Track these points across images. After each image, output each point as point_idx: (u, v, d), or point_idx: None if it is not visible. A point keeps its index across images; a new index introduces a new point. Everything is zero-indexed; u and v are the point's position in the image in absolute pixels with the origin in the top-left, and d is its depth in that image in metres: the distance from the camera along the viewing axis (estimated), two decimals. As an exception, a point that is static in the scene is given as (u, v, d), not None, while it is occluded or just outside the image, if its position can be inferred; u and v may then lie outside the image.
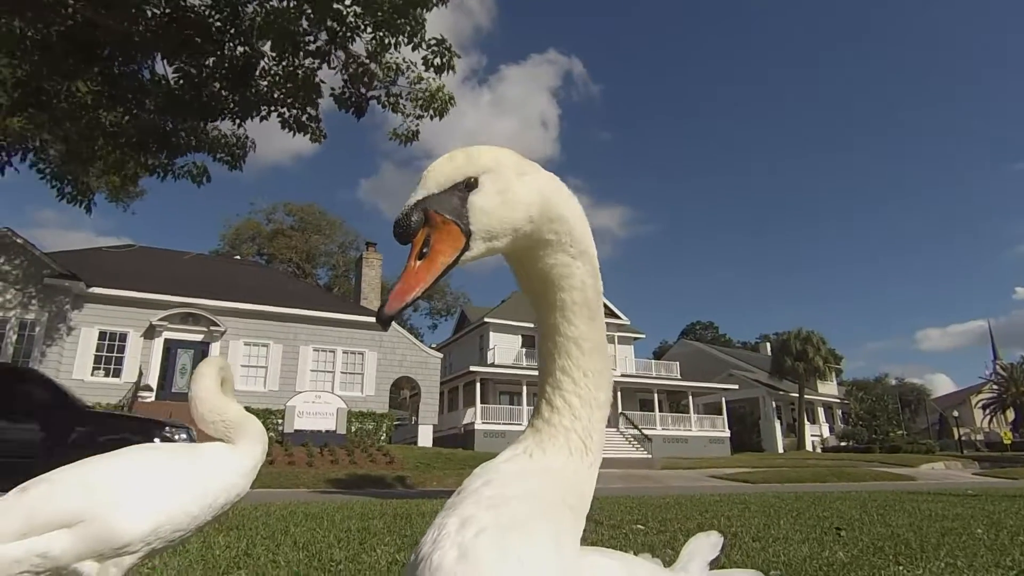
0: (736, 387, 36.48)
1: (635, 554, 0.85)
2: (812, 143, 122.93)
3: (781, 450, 35.56)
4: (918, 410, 59.46)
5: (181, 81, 6.67)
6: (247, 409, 1.78)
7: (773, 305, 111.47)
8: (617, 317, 35.45)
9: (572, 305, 0.73)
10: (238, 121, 6.62)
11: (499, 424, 28.95)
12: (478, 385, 29.41)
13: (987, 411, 53.67)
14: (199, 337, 22.37)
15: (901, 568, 3.01)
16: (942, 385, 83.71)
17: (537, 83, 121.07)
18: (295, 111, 6.56)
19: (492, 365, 31.85)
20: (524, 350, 33.97)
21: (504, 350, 33.51)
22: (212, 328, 22.32)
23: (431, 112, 6.87)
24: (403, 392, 39.67)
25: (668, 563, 0.83)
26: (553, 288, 0.75)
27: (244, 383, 22.52)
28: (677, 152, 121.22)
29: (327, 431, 20.29)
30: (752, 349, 57.94)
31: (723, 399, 34.32)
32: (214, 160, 6.92)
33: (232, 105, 6.34)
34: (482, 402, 29.41)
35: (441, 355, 27.88)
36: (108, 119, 7.01)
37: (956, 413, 54.98)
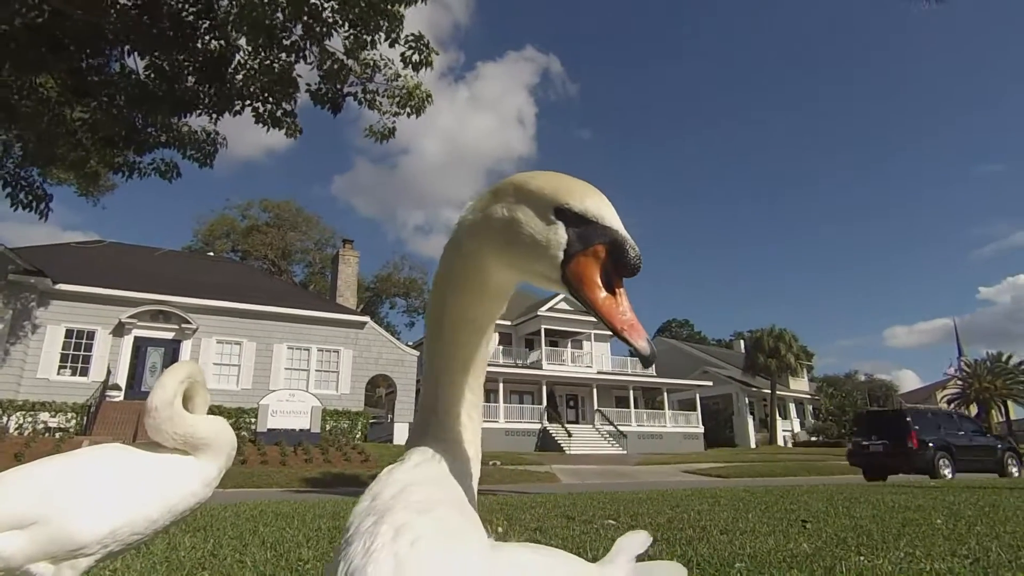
0: (710, 384, 36.95)
1: (604, 549, 0.87)
2: (788, 146, 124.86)
3: (753, 445, 36.17)
4: (886, 405, 60.74)
5: (153, 75, 6.53)
6: (219, 410, 1.75)
7: (748, 304, 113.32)
8: (593, 315, 35.64)
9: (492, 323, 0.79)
10: (212, 116, 6.50)
11: (476, 421, 28.90)
12: (455, 383, 29.34)
13: (952, 406, 55.15)
14: (170, 335, 21.99)
15: (862, 558, 3.09)
16: (909, 381, 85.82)
17: (514, 81, 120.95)
18: (270, 106, 6.47)
19: (469, 363, 31.73)
20: (500, 347, 33.96)
21: (481, 348, 33.47)
22: (184, 326, 21.95)
23: (408, 110, 6.82)
24: (379, 390, 39.41)
25: (639, 559, 0.86)
26: (501, 301, 0.77)
27: (216, 381, 22.21)
28: (655, 152, 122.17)
29: (301, 430, 20.09)
30: (726, 346, 58.75)
31: (697, 395, 34.75)
32: (183, 157, 6.79)
33: (206, 99, 6.22)
34: (459, 400, 29.35)
35: (418, 353, 27.76)
36: (72, 115, 6.82)
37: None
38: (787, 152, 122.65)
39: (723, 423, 38.25)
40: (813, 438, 39.39)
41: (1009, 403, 50.86)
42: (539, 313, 32.73)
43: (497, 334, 31.80)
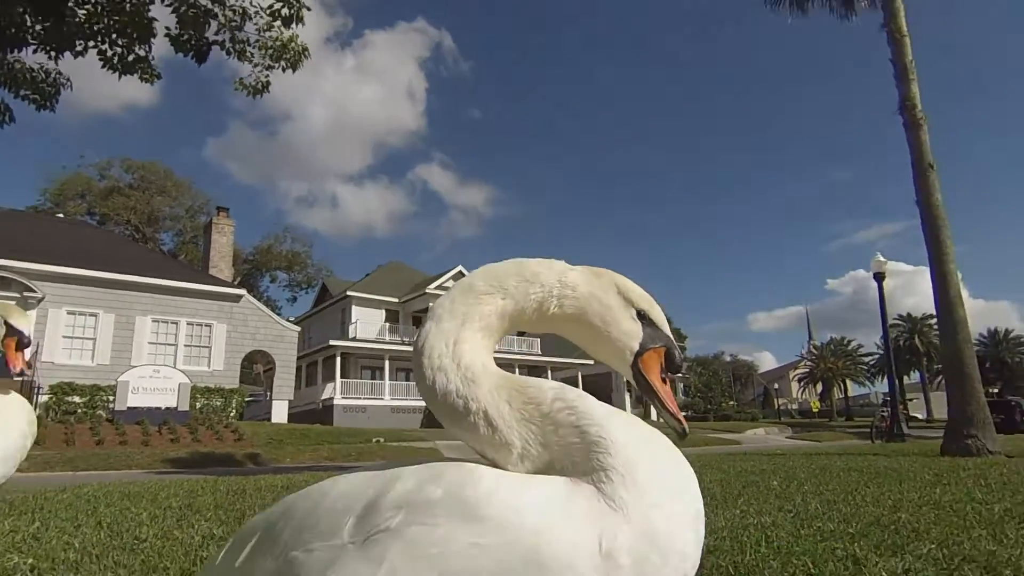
0: (591, 362, 38.46)
1: None
2: (668, 136, 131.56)
3: (630, 420, 38.19)
4: (747, 383, 66.47)
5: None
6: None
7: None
8: (482, 293, 35.89)
9: None
10: (50, 54, 5.71)
11: (360, 399, 28.36)
12: (338, 359, 28.56)
13: (801, 384, 61.42)
14: (10, 304, 19.61)
15: (703, 516, 3.34)
16: (767, 362, 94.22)
17: (405, 52, 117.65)
18: (120, 49, 5.77)
19: (354, 339, 31.03)
20: (387, 325, 33.41)
21: (367, 324, 32.76)
22: (27, 294, 19.63)
23: (283, 63, 6.36)
24: (257, 367, 37.58)
25: None
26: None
27: (68, 356, 20.19)
28: (543, 136, 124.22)
29: (167, 408, 18.75)
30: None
31: (579, 374, 36.10)
32: (16, 97, 5.93)
33: (37, 34, 5.42)
34: (342, 377, 28.62)
35: (299, 328, 26.68)
36: None
37: (777, 386, 62.12)
38: (665, 144, 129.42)
39: (602, 400, 39.98)
40: (683, 413, 42.38)
41: (848, 381, 57.29)
42: (427, 291, 32.46)
43: (384, 311, 31.48)
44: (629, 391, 40.40)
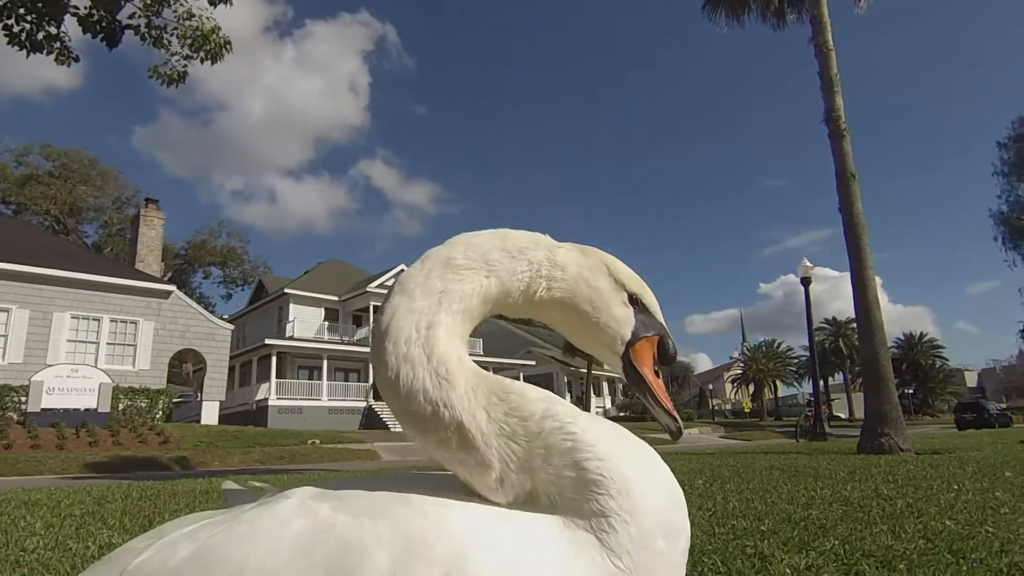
0: (533, 363, 38.76)
1: None
2: (609, 139, 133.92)
3: (570, 420, 38.67)
4: (684, 384, 68.30)
5: None
6: None
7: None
8: (425, 293, 35.62)
9: None
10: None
11: (296, 400, 27.61)
12: (274, 359, 27.71)
13: (735, 385, 63.57)
14: (-92, 297, 18.16)
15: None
16: (703, 363, 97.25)
17: (347, 44, 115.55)
18: (27, 25, 5.35)
19: (291, 338, 30.19)
20: (326, 323, 32.66)
21: (305, 323, 31.94)
22: (-72, 287, 18.22)
23: (203, 54, 6.06)
24: (187, 366, 36.09)
25: None
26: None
27: (-26, 354, 18.82)
28: (489, 134, 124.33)
29: (87, 409, 17.73)
30: (549, 328, 61.92)
31: (521, 374, 36.26)
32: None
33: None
34: (278, 377, 27.78)
35: (232, 327, 25.73)
36: None
37: (712, 387, 64.09)
38: (606, 147, 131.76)
39: (543, 401, 40.39)
40: (622, 413, 43.13)
41: (778, 382, 59.70)
42: (368, 289, 31.91)
43: (323, 309, 30.79)
44: (570, 391, 40.87)
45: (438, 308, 0.70)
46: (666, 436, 0.86)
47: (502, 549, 0.58)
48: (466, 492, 0.67)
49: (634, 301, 0.82)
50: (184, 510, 3.98)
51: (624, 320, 0.80)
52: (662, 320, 0.84)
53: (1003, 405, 48.45)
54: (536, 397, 0.69)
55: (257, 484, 0.82)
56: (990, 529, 2.75)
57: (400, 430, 26.50)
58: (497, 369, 35.84)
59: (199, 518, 0.67)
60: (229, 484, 0.85)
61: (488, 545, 0.58)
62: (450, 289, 0.72)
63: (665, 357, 0.83)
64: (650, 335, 0.82)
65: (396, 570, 0.54)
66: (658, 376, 0.82)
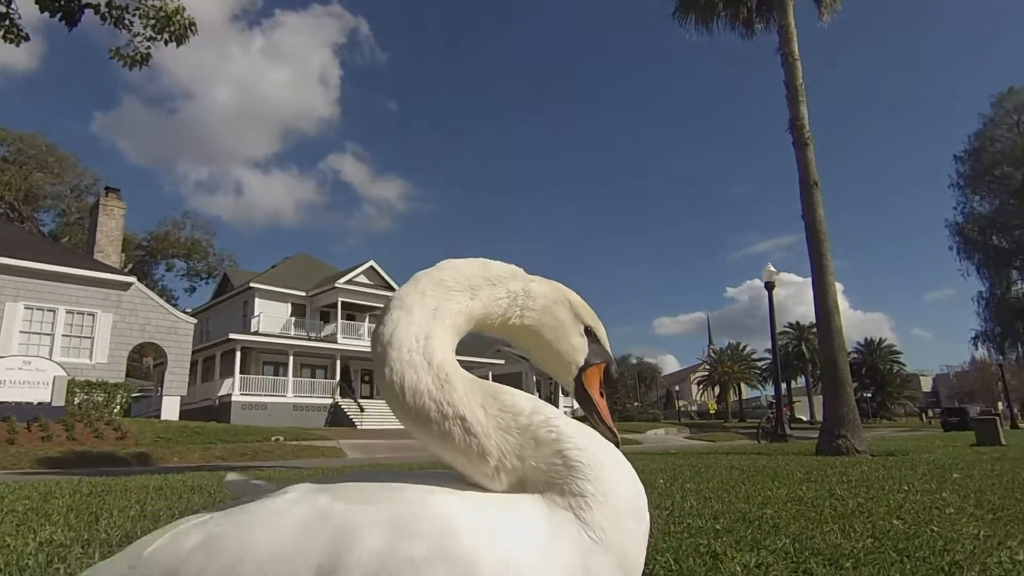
0: (502, 362, 38.73)
1: None
2: (580, 141, 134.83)
3: (538, 420, 38.76)
4: (651, 385, 69.07)
5: None
6: None
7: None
8: (394, 290, 35.35)
9: None
10: None
11: (260, 396, 27.14)
12: (238, 354, 27.19)
13: (701, 386, 64.57)
14: None
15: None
16: (670, 364, 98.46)
17: (318, 36, 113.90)
18: (-25, 2, 5.12)
19: (256, 333, 29.66)
20: (293, 319, 32.18)
21: (270, 318, 31.41)
22: None
23: (166, 35, 5.88)
24: (147, 360, 35.22)
25: None
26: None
27: (-80, 344, 18.06)
28: (461, 132, 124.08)
29: (39, 403, 17.14)
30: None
31: (490, 373, 36.19)
32: None
33: None
34: (242, 372, 27.27)
35: (195, 320, 25.17)
36: None
37: (678, 388, 64.96)
38: (577, 150, 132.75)
39: (512, 399, 40.40)
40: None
41: (742, 384, 60.81)
42: (336, 285, 31.53)
43: (289, 304, 30.35)
44: (539, 391, 40.95)
45: (433, 322, 0.81)
46: (628, 437, 0.97)
47: (487, 525, 0.65)
48: (459, 483, 0.74)
49: (588, 332, 0.95)
50: (135, 507, 3.86)
51: (579, 349, 0.94)
52: (609, 350, 0.98)
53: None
54: (524, 396, 0.81)
55: (257, 482, 0.88)
56: (935, 529, 2.83)
57: (368, 427, 26.24)
58: (467, 367, 35.14)
59: (210, 512, 0.73)
60: (233, 476, 0.93)
61: (473, 522, 0.65)
62: (442, 307, 0.83)
63: (609, 381, 0.97)
64: (598, 362, 0.96)
65: (387, 547, 0.60)
66: (603, 397, 0.96)
